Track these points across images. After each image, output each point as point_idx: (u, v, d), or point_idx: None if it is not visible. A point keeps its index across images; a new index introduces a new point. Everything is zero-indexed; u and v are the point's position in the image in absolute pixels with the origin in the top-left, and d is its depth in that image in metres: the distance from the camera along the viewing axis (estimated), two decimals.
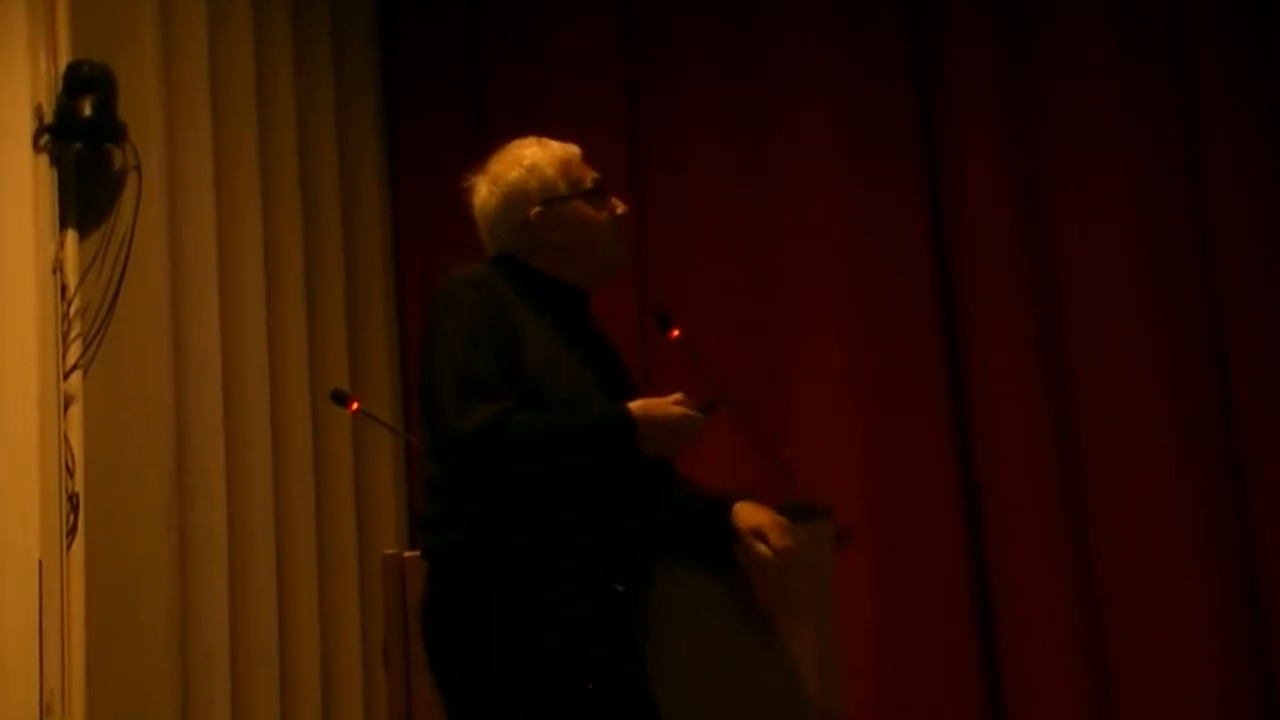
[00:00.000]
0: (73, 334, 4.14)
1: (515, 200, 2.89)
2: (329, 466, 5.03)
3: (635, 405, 2.72)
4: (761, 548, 2.83)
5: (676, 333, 3.41)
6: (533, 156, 2.92)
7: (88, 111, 4.14)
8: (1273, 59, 4.93)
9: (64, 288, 4.15)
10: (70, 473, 4.05)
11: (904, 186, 5.19)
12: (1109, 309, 4.95)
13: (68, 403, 4.10)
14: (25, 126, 4.17)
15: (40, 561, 3.95)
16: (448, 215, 5.46)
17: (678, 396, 2.74)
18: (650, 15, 5.50)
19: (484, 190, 2.94)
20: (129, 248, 4.23)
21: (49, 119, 4.17)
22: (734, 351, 5.09)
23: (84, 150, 4.20)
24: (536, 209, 2.87)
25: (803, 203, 5.25)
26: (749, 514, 2.88)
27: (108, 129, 4.19)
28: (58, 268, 4.15)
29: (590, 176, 2.93)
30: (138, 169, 4.27)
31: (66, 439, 4.07)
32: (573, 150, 2.96)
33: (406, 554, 3.19)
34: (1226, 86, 4.95)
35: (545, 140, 2.96)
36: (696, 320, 4.71)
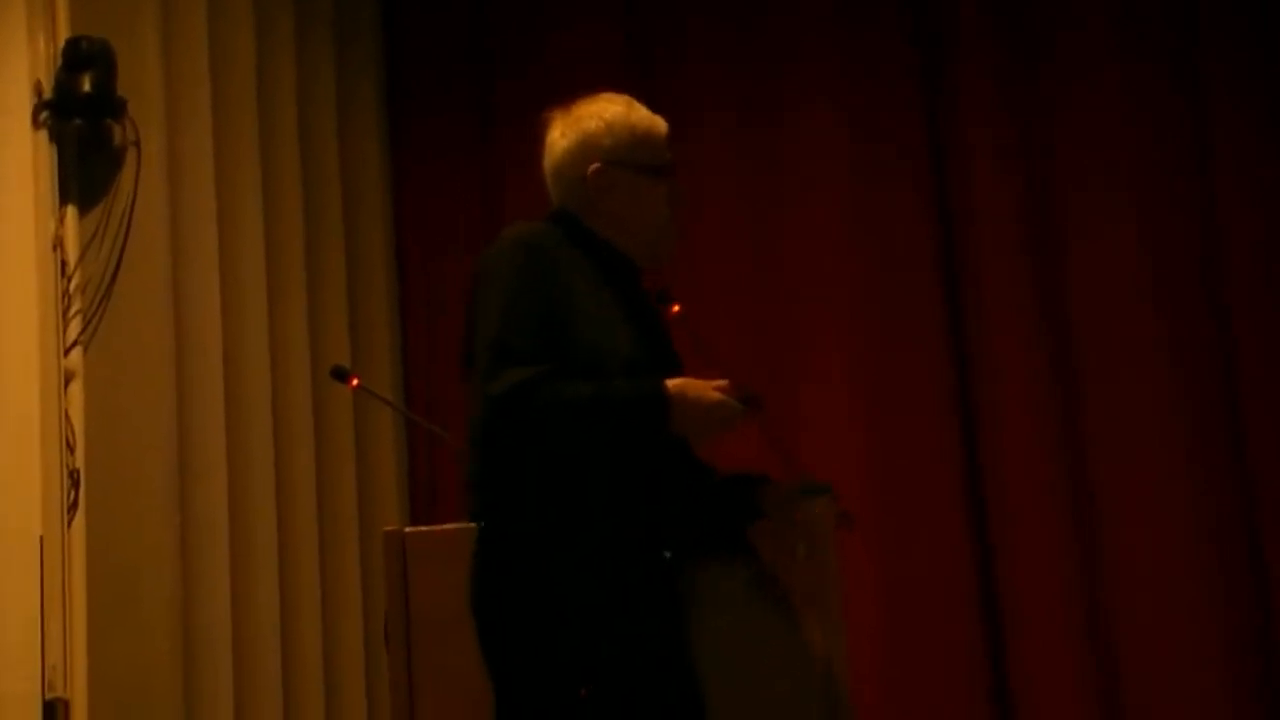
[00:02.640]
0: (73, 310, 4.14)
1: (584, 150, 2.82)
2: (330, 443, 5.03)
3: (673, 383, 2.65)
4: (790, 534, 2.81)
5: (676, 309, 3.39)
6: (615, 114, 2.85)
7: (87, 87, 4.13)
8: (1278, 60, 4.92)
9: (64, 264, 4.14)
10: (71, 449, 4.05)
11: (909, 184, 5.17)
12: (1115, 307, 4.94)
13: (68, 379, 4.10)
14: (25, 103, 4.17)
15: (41, 538, 3.95)
16: (449, 193, 5.53)
17: (722, 383, 2.68)
18: (655, 12, 5.48)
19: (557, 130, 2.86)
20: (129, 224, 4.22)
21: (48, 95, 4.16)
22: (738, 348, 5.06)
23: (84, 126, 4.20)
24: (596, 165, 2.80)
25: (808, 201, 5.23)
26: (777, 498, 2.85)
27: (107, 105, 4.19)
28: (58, 244, 4.15)
29: (667, 157, 2.87)
30: (137, 145, 4.27)
31: (67, 415, 4.07)
32: (659, 124, 2.89)
33: (408, 530, 3.20)
34: (1232, 87, 4.94)
35: (635, 103, 2.90)
36: (701, 317, 4.70)
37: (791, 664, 2.91)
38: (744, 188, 5.29)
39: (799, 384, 5.15)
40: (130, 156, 4.26)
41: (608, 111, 2.85)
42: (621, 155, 2.81)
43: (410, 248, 5.55)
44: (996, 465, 4.98)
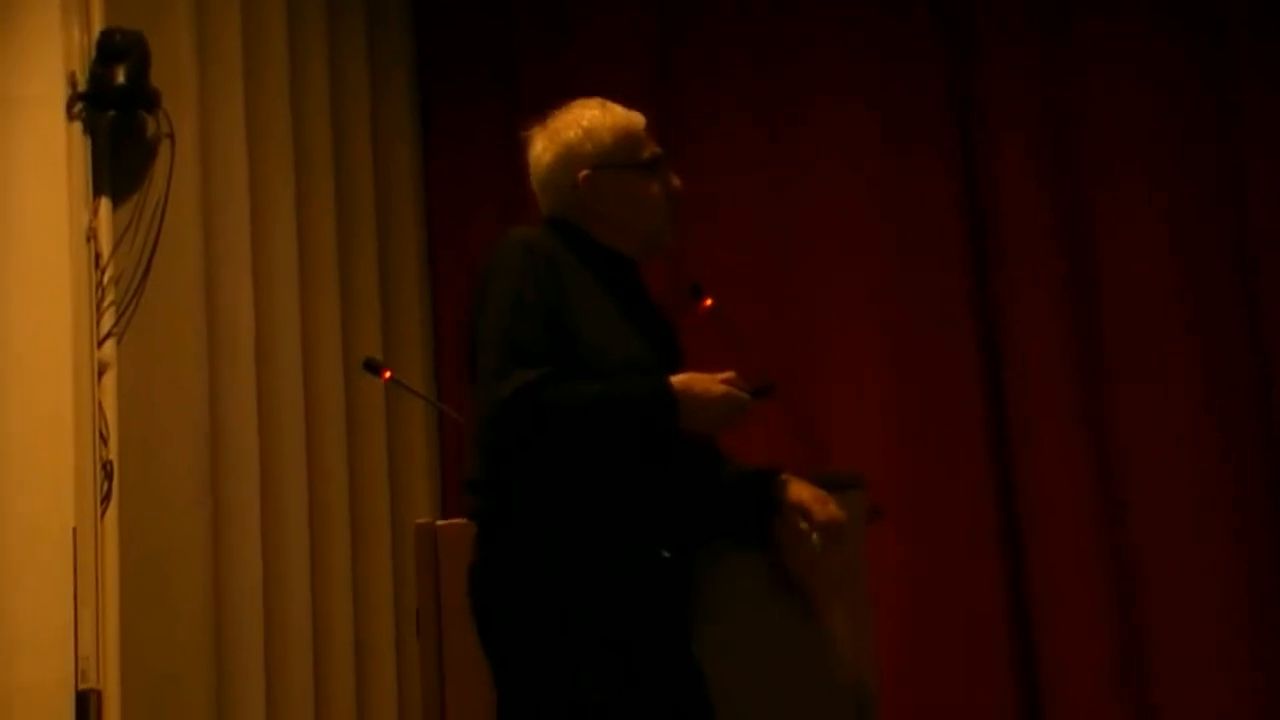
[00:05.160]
0: (106, 302, 4.15)
1: (567, 161, 2.84)
2: (361, 435, 5.03)
3: (678, 379, 2.67)
4: (803, 524, 2.80)
5: (709, 303, 3.39)
6: (592, 119, 2.87)
7: (121, 79, 4.14)
8: None
9: (97, 255, 4.16)
10: (104, 441, 4.07)
11: (937, 174, 5.18)
12: (1145, 297, 4.95)
13: (102, 370, 4.11)
14: (59, 94, 4.16)
15: (74, 529, 3.96)
16: (481, 185, 5.54)
17: (728, 375, 2.70)
18: (681, 1, 5.47)
19: (539, 145, 2.89)
20: (162, 215, 4.23)
21: (82, 87, 4.17)
22: (766, 334, 5.07)
23: (117, 118, 4.21)
24: (585, 173, 2.83)
25: (835, 189, 5.24)
26: (794, 488, 2.83)
27: (141, 96, 4.19)
28: (91, 235, 4.16)
29: (649, 149, 2.88)
30: (171, 137, 4.27)
31: (100, 407, 4.08)
32: (636, 119, 2.90)
33: (439, 523, 3.20)
34: (1263, 76, 4.93)
35: (609, 104, 2.91)
36: (729, 303, 4.69)
37: (805, 655, 2.90)
38: (772, 172, 5.30)
39: (826, 367, 5.15)
40: (164, 148, 4.27)
41: (584, 118, 2.87)
42: (606, 157, 2.84)
43: (442, 240, 5.56)
44: (1025, 446, 5.00)
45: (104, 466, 4.05)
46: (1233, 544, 4.77)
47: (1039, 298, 5.01)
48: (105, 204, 4.20)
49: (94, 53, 4.17)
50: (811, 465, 3.13)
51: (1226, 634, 4.73)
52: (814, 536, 2.79)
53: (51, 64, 4.18)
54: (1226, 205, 4.91)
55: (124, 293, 4.18)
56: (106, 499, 4.04)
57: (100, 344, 4.13)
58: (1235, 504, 4.79)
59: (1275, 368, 4.81)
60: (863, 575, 3.01)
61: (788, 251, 5.25)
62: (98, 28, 4.19)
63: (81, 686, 3.92)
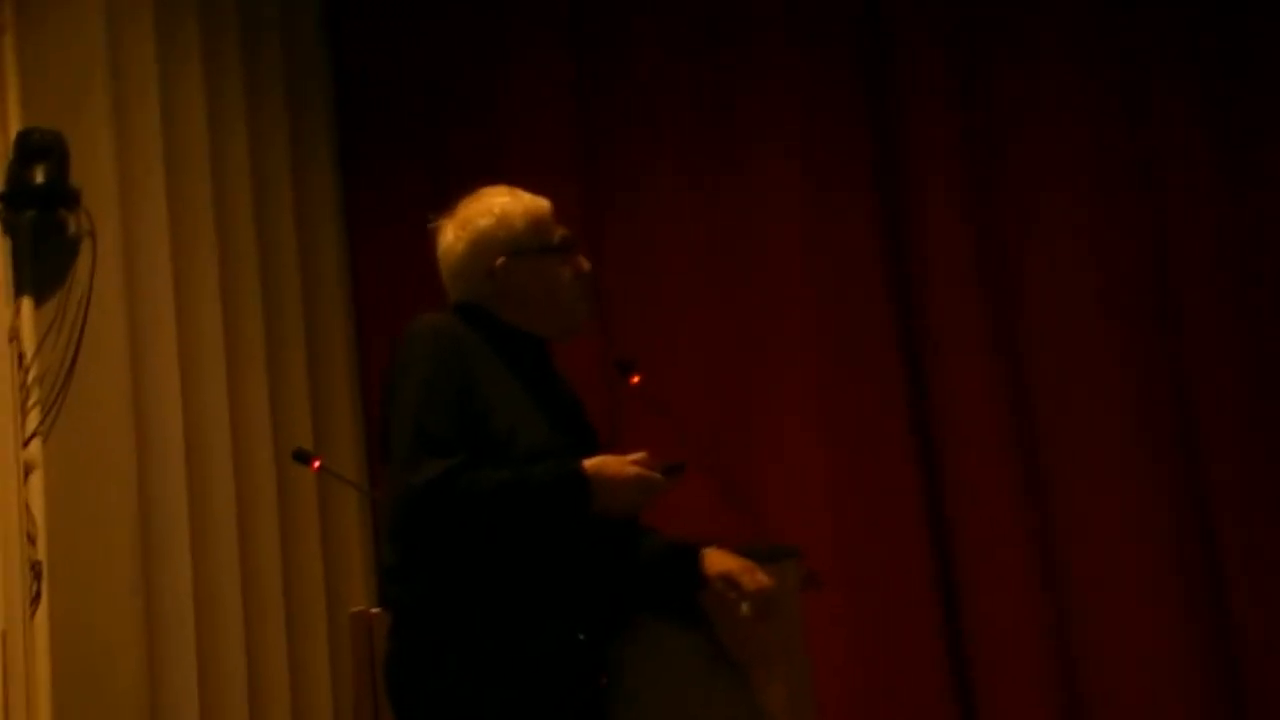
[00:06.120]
0: (31, 401, 4.12)
1: (481, 248, 2.87)
2: (294, 525, 5.00)
3: (590, 463, 2.68)
4: (732, 595, 2.81)
5: (636, 379, 3.41)
6: (503, 206, 2.89)
7: (40, 179, 4.14)
8: (1226, 87, 5.00)
9: (21, 355, 4.13)
10: (32, 541, 4.02)
11: (865, 226, 5.20)
12: (1071, 339, 4.99)
13: (28, 471, 4.08)
14: None
15: (3, 632, 3.91)
16: (408, 270, 5.54)
17: (639, 455, 2.71)
18: (608, 64, 5.50)
19: (450, 235, 2.91)
20: (86, 313, 4.21)
21: (1, 188, 4.16)
22: (699, 394, 5.09)
23: (38, 217, 4.20)
24: (501, 259, 2.85)
25: (765, 246, 5.26)
26: (718, 560, 2.84)
27: (61, 195, 4.19)
28: (14, 335, 4.14)
29: (559, 233, 2.91)
30: (92, 234, 4.26)
31: (28, 507, 4.04)
32: (543, 204, 2.93)
33: (374, 611, 3.19)
34: (1182, 108, 5.01)
35: (517, 191, 2.94)
36: (661, 364, 4.71)
37: None
38: (701, 232, 5.31)
39: (760, 424, 5.15)
40: (85, 246, 4.26)
41: (495, 205, 2.90)
42: (521, 244, 2.87)
43: (370, 325, 5.55)
44: (959, 496, 5.01)
45: (33, 567, 4.01)
46: (1169, 580, 4.81)
47: (966, 349, 5.05)
48: (27, 303, 4.18)
49: (12, 153, 4.17)
50: (749, 532, 3.13)
51: (1166, 686, 4.76)
52: (744, 606, 2.79)
53: None
54: (1147, 237, 4.98)
55: (49, 392, 4.15)
56: (36, 600, 4.00)
57: (26, 444, 4.10)
58: (1170, 536, 4.83)
59: (1199, 395, 4.87)
60: (801, 644, 3.01)
61: (718, 309, 5.25)
62: (15, 128, 4.19)
63: None
